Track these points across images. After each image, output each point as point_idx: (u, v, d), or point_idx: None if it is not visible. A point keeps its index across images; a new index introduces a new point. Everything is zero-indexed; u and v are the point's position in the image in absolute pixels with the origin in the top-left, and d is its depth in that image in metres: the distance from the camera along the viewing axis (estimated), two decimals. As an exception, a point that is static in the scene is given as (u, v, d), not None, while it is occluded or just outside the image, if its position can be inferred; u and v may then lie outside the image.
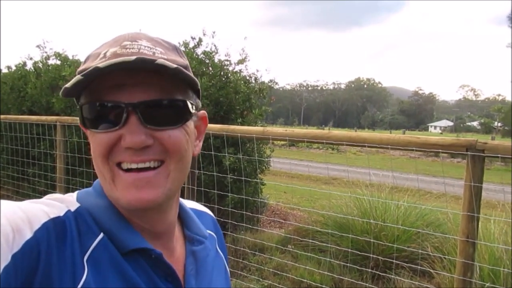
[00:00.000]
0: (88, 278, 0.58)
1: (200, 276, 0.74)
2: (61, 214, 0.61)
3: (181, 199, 0.78)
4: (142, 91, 0.61)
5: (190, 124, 0.69)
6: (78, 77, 0.58)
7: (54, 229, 0.58)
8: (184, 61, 0.69)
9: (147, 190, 0.62)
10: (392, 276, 3.41)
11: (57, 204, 0.63)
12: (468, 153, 2.13)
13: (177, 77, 0.64)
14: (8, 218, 0.53)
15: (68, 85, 0.59)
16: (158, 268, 0.67)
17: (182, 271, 0.72)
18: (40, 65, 6.55)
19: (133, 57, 0.58)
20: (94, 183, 0.72)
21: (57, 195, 0.67)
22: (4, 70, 7.00)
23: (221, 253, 0.86)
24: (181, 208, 0.78)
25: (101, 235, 0.63)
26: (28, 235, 0.54)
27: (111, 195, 0.65)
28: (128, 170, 0.62)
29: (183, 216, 0.79)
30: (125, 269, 0.62)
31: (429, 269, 3.44)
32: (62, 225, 0.59)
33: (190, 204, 0.86)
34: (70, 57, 6.55)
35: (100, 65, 0.57)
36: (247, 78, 5.46)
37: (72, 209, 0.64)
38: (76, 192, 0.70)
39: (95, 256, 0.61)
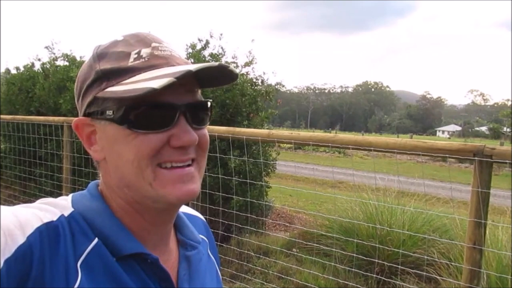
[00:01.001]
0: (82, 283, 0.57)
1: (193, 281, 0.74)
2: (54, 218, 0.60)
3: None
4: (186, 92, 0.65)
5: None
6: (171, 79, 0.57)
7: (47, 234, 0.57)
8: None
9: (191, 183, 0.65)
10: (398, 282, 3.38)
11: (51, 208, 0.62)
12: (476, 158, 2.10)
13: (214, 83, 0.70)
14: (0, 223, 0.53)
15: (157, 86, 0.56)
16: (153, 273, 0.66)
17: (175, 276, 0.72)
18: (48, 66, 6.60)
19: (216, 63, 0.62)
20: (89, 186, 0.72)
21: (50, 200, 0.66)
22: (13, 71, 7.07)
23: (212, 258, 0.86)
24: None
25: (96, 240, 0.63)
26: (21, 240, 0.54)
27: (147, 195, 0.64)
28: (170, 168, 0.64)
29: (177, 220, 0.78)
30: (119, 274, 0.62)
31: (435, 276, 3.40)
32: (55, 230, 0.59)
33: (182, 208, 0.86)
34: (78, 58, 6.60)
35: (191, 68, 0.59)
36: (254, 80, 5.45)
37: (66, 213, 0.63)
38: (70, 195, 0.69)
39: (89, 261, 0.60)
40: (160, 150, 0.63)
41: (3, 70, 7.12)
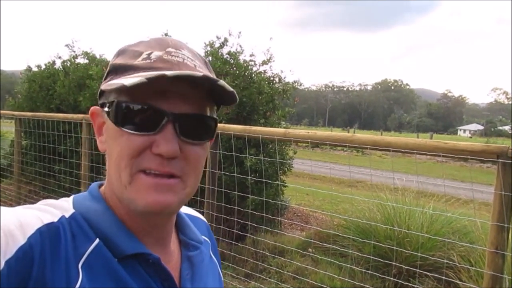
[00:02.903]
0: (83, 284, 0.57)
1: (196, 281, 0.74)
2: (55, 220, 0.60)
3: None
4: (182, 102, 0.63)
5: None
6: (142, 79, 0.57)
7: (48, 234, 0.57)
8: (213, 75, 0.69)
9: (166, 195, 0.63)
10: (416, 285, 3.31)
11: (51, 209, 0.63)
12: (499, 160, 2.03)
13: (225, 99, 0.67)
14: (1, 223, 0.53)
15: (128, 84, 0.57)
16: (155, 273, 0.66)
17: (177, 276, 0.72)
18: (69, 64, 6.70)
19: (200, 74, 0.60)
20: (90, 187, 0.72)
21: (51, 201, 0.66)
22: (34, 69, 7.19)
23: (214, 259, 0.86)
24: (177, 213, 0.78)
25: (97, 240, 0.63)
26: (21, 240, 0.54)
27: (122, 197, 0.65)
28: (149, 174, 0.62)
29: (178, 221, 0.78)
30: (121, 274, 0.62)
31: (454, 280, 3.31)
32: (56, 231, 0.59)
33: (184, 209, 0.86)
34: (98, 56, 6.68)
35: (167, 73, 0.58)
36: (271, 78, 5.42)
37: (67, 215, 0.63)
38: (71, 197, 0.70)
39: (91, 262, 0.60)
40: (141, 153, 0.62)
41: (24, 67, 7.23)
